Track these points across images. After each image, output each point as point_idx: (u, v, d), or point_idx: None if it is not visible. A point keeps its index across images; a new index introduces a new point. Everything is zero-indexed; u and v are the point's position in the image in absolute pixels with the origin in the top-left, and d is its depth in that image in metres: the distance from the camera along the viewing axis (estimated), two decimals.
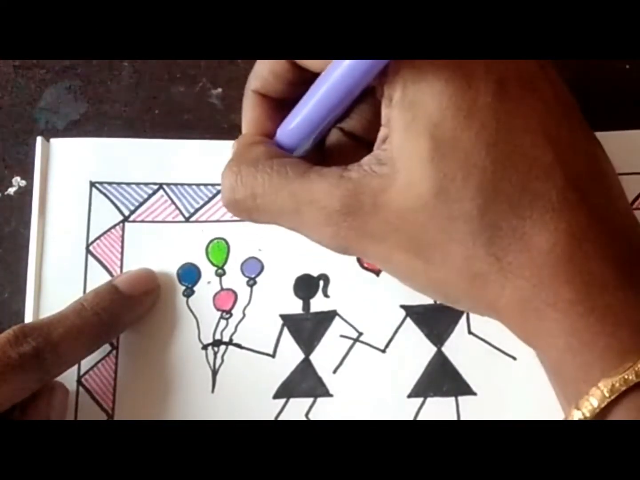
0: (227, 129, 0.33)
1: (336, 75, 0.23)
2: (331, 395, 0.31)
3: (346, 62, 0.22)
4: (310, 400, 0.31)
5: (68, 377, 0.29)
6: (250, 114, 0.27)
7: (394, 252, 0.23)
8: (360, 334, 0.31)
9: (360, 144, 0.27)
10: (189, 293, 0.31)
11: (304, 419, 0.30)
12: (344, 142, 0.27)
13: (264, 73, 0.26)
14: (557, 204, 0.21)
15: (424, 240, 0.22)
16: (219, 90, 0.33)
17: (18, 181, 0.33)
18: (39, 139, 0.32)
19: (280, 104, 0.26)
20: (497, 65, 0.22)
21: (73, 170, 0.32)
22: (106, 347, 0.31)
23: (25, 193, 0.32)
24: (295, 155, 0.26)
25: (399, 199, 0.22)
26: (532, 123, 0.22)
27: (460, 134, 0.21)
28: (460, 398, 0.31)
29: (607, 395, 0.21)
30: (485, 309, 0.23)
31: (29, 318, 0.30)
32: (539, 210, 0.21)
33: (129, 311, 0.29)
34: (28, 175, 0.32)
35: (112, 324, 0.29)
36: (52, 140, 0.32)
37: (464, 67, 0.21)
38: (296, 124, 0.25)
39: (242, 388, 0.30)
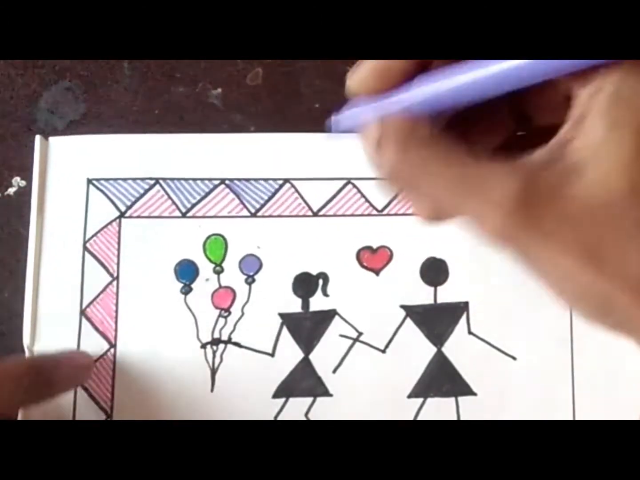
0: (227, 129, 0.33)
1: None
2: (331, 395, 0.31)
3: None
4: (309, 399, 0.31)
5: None
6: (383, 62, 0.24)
7: (562, 251, 0.22)
8: (360, 333, 0.31)
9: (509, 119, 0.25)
10: (186, 290, 0.31)
11: (304, 418, 0.30)
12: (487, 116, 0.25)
13: None
14: None
15: (600, 241, 0.21)
16: (219, 90, 0.33)
17: (18, 181, 0.33)
18: (37, 137, 0.32)
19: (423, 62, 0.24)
20: None
21: (71, 167, 0.32)
22: (104, 346, 0.31)
23: (25, 193, 0.32)
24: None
25: (584, 195, 0.21)
26: None
27: None
28: (460, 398, 0.31)
29: None
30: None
31: (27, 317, 0.30)
32: None
33: (64, 378, 0.29)
34: (28, 175, 0.32)
35: (47, 384, 0.28)
36: (51, 139, 0.32)
37: None
38: (445, 90, 0.22)
39: (242, 387, 0.30)
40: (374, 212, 0.32)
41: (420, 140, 0.23)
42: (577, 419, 0.30)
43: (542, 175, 0.21)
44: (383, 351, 0.31)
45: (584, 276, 0.22)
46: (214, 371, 0.31)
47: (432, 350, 0.31)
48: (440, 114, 0.24)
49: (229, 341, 0.31)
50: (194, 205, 0.32)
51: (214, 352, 0.31)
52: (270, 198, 0.32)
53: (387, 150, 0.23)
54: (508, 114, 0.24)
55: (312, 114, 0.33)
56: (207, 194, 0.32)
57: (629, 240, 0.21)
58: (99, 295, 0.31)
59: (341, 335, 0.31)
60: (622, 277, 0.21)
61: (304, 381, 0.31)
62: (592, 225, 0.21)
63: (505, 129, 0.24)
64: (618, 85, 0.21)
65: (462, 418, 0.30)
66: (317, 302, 0.31)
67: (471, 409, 0.30)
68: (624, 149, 0.21)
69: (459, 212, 0.23)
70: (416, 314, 0.31)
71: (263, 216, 0.32)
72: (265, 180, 0.32)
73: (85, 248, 0.31)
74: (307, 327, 0.31)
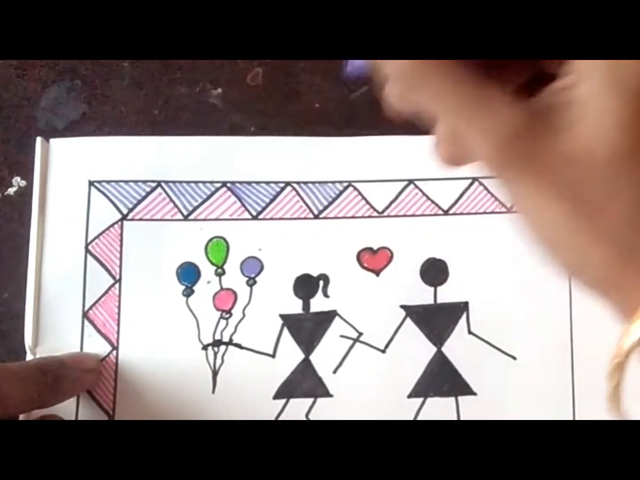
0: (227, 129, 0.33)
1: None
2: (331, 396, 0.31)
3: None
4: (310, 400, 0.31)
5: None
6: None
7: (551, 197, 0.22)
8: (360, 334, 0.31)
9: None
10: (188, 292, 0.31)
11: (304, 419, 0.30)
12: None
13: None
14: None
15: (593, 193, 0.21)
16: (219, 90, 0.33)
17: (18, 181, 0.33)
18: (38, 140, 0.32)
19: None
20: None
21: (72, 169, 0.32)
22: (106, 348, 0.31)
23: (25, 193, 0.32)
24: None
25: (584, 144, 0.21)
26: None
27: None
28: (460, 398, 0.31)
29: None
30: (625, 290, 0.22)
31: (29, 318, 0.30)
32: None
33: (71, 381, 0.29)
34: (28, 175, 0.32)
35: (54, 387, 0.28)
36: (52, 141, 0.32)
37: None
38: None
39: (243, 388, 0.31)
40: (375, 213, 0.32)
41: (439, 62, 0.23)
42: (577, 419, 0.30)
43: (545, 113, 0.21)
44: (383, 351, 0.31)
45: (566, 225, 0.22)
46: (215, 372, 0.31)
47: (432, 350, 0.31)
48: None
49: (230, 342, 0.31)
50: (195, 208, 0.32)
51: (215, 354, 0.31)
52: (271, 201, 0.32)
53: (409, 64, 0.23)
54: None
55: (312, 114, 0.33)
56: (209, 196, 0.32)
57: (621, 194, 0.21)
58: (101, 297, 0.31)
59: (341, 336, 0.31)
60: (608, 234, 0.21)
61: (304, 382, 0.31)
62: (585, 178, 0.21)
63: (527, 69, 0.24)
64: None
65: (462, 418, 0.31)
66: (318, 303, 0.31)
67: (471, 409, 0.31)
68: (624, 109, 0.20)
69: (465, 128, 0.23)
70: (416, 314, 0.31)
71: (264, 219, 0.32)
72: (267, 183, 0.32)
73: (87, 250, 0.31)
74: (307, 328, 0.31)
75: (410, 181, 0.32)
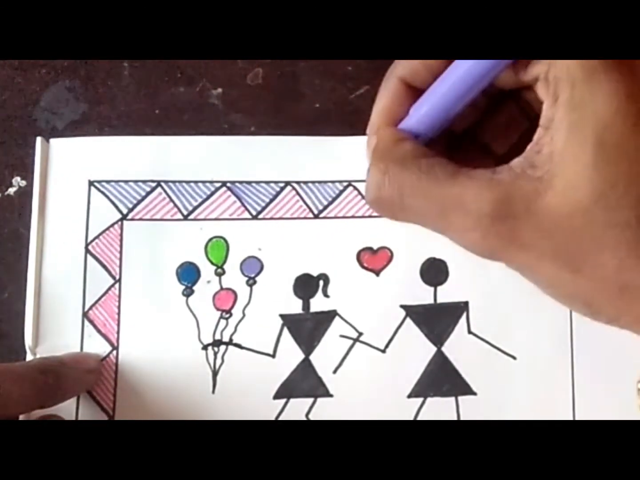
0: (227, 129, 0.33)
1: (467, 64, 0.22)
2: (331, 396, 0.31)
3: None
4: (310, 400, 0.31)
5: None
6: (388, 100, 0.26)
7: (541, 261, 0.22)
8: (360, 334, 0.31)
9: (486, 154, 0.26)
10: (188, 292, 0.31)
11: (304, 419, 0.30)
12: (471, 150, 0.27)
13: (414, 62, 0.25)
14: None
15: (575, 248, 0.22)
16: (219, 90, 0.33)
17: (18, 181, 0.33)
18: (38, 140, 0.32)
19: (419, 95, 0.26)
20: None
21: (72, 169, 0.32)
22: (106, 348, 0.31)
23: (25, 193, 0.32)
24: (420, 142, 0.25)
25: (555, 204, 0.21)
26: None
27: (627, 140, 0.21)
28: (460, 398, 0.31)
29: None
30: (631, 322, 0.23)
31: (29, 318, 0.30)
32: None
33: (71, 381, 0.29)
34: (28, 175, 0.32)
35: (55, 387, 0.28)
36: (52, 141, 0.32)
37: (636, 72, 0.21)
38: (428, 109, 0.24)
39: (243, 388, 0.31)
40: (375, 213, 0.32)
41: (399, 161, 0.24)
42: (577, 419, 0.30)
43: (517, 185, 0.22)
44: (383, 351, 0.31)
45: (565, 282, 0.22)
46: (215, 372, 0.31)
47: (432, 350, 0.31)
48: (442, 127, 0.25)
49: (230, 342, 0.31)
50: (195, 208, 0.32)
51: (215, 354, 0.31)
52: (271, 201, 0.32)
53: (372, 169, 0.25)
54: (519, 115, 0.24)
55: (312, 114, 0.33)
56: (209, 196, 0.32)
57: (601, 245, 0.21)
58: (101, 297, 0.31)
59: (341, 336, 0.31)
60: (600, 282, 0.22)
61: (304, 382, 0.31)
62: (566, 233, 0.22)
63: (518, 128, 0.25)
64: (570, 93, 0.21)
65: (462, 418, 0.31)
66: (318, 303, 0.31)
67: (471, 409, 0.31)
68: (585, 158, 0.21)
69: (441, 231, 0.24)
70: (416, 314, 0.31)
71: (264, 219, 0.32)
72: (267, 183, 0.32)
73: (87, 250, 0.31)
74: (307, 328, 0.31)
75: None
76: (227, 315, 0.31)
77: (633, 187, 0.21)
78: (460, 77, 0.23)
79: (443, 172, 0.23)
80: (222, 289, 0.31)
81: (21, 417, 0.29)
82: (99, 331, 0.31)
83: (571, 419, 0.30)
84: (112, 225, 0.32)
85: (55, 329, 0.31)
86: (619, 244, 0.21)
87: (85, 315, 0.31)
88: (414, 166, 0.24)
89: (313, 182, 0.32)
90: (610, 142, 0.21)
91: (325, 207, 0.32)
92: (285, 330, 0.31)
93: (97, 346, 0.31)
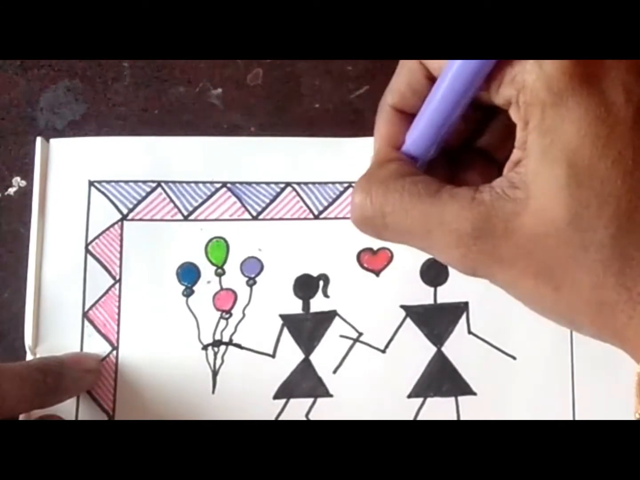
0: (227, 129, 0.33)
1: (449, 77, 0.23)
2: (331, 396, 0.31)
3: (457, 62, 0.22)
4: (310, 400, 0.31)
5: None
6: (384, 128, 0.27)
7: (522, 278, 0.23)
8: (360, 334, 0.31)
9: (490, 162, 0.27)
10: (188, 293, 0.31)
11: (304, 419, 0.30)
12: (475, 160, 0.27)
13: (401, 88, 0.26)
14: None
15: (553, 266, 0.22)
16: (219, 90, 0.33)
17: (18, 181, 0.33)
18: (38, 140, 0.32)
19: (412, 120, 0.26)
20: (638, 91, 0.21)
21: (72, 169, 0.32)
22: (106, 349, 0.31)
23: (25, 193, 0.32)
24: (420, 163, 0.26)
25: (532, 224, 0.22)
26: None
27: (597, 161, 0.21)
28: (460, 398, 0.31)
29: None
30: (610, 337, 0.23)
31: (29, 318, 0.30)
32: None
33: (71, 381, 0.29)
34: (28, 175, 0.32)
35: (54, 387, 0.28)
36: (52, 141, 0.32)
37: (604, 93, 0.21)
38: (419, 132, 0.25)
39: (243, 389, 0.31)
40: None
41: (383, 181, 0.24)
42: (577, 419, 0.31)
43: (497, 206, 0.22)
44: (383, 351, 0.31)
45: (547, 299, 0.23)
46: (215, 372, 0.31)
47: (432, 350, 0.31)
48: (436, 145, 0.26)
49: (230, 343, 0.31)
50: (195, 209, 0.32)
51: (215, 354, 0.31)
52: (271, 201, 0.32)
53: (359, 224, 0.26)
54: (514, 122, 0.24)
55: (312, 114, 0.33)
56: (209, 197, 0.32)
57: (577, 264, 0.22)
58: (101, 297, 0.31)
59: (341, 336, 0.31)
60: (578, 299, 0.22)
61: (304, 382, 0.31)
62: (544, 253, 0.22)
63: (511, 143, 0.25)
64: (540, 118, 0.22)
65: (462, 418, 0.31)
66: (318, 303, 0.31)
67: (471, 409, 0.31)
68: (557, 181, 0.21)
69: (425, 249, 0.24)
70: (416, 314, 0.31)
71: (264, 219, 0.32)
72: (267, 183, 0.32)
73: (87, 250, 0.31)
74: (307, 328, 0.31)
75: None
76: (227, 316, 0.31)
77: (605, 207, 0.21)
78: (441, 97, 0.24)
79: (426, 190, 0.24)
80: (222, 289, 0.31)
81: (21, 417, 0.29)
82: (99, 331, 0.31)
83: (571, 419, 0.31)
84: (112, 225, 0.32)
85: (55, 329, 0.31)
86: (594, 262, 0.21)
87: (85, 315, 0.31)
88: (398, 184, 0.24)
89: (313, 183, 0.32)
90: (581, 165, 0.21)
91: (326, 208, 0.32)
92: (285, 330, 0.31)
93: (97, 346, 0.31)
